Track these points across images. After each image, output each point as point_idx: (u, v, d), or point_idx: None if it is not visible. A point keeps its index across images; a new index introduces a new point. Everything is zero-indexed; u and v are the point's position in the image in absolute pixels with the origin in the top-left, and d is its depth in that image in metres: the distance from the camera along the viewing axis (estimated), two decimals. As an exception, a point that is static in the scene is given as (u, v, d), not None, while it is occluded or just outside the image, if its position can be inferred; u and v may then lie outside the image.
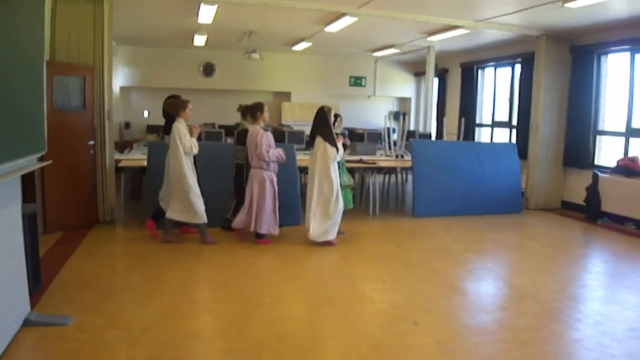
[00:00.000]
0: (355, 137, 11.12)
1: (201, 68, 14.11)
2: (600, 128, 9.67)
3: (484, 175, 9.27)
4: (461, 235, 7.70)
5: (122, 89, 13.38)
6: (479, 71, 13.09)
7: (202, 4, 7.96)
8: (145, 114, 13.75)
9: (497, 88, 12.62)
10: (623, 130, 9.17)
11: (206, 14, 8.63)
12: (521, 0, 7.72)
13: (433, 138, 12.66)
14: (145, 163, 7.60)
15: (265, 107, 6.93)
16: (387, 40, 12.04)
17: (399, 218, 8.71)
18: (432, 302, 4.99)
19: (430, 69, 12.39)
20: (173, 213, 6.51)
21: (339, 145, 6.77)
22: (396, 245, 7.07)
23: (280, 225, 6.94)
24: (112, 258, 6.32)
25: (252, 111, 6.95)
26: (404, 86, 16.30)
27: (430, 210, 8.59)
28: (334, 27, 9.62)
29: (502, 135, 12.23)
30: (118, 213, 7.92)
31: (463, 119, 11.52)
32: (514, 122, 11.62)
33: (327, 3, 8.18)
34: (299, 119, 14.11)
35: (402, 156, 9.67)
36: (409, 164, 9.04)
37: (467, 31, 9.53)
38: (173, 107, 6.62)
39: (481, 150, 9.81)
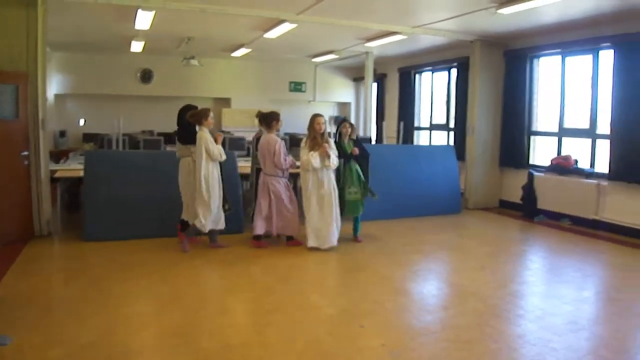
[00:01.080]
0: (295, 142, 11.11)
1: (139, 74, 13.84)
2: (534, 129, 10.02)
3: (423, 178, 9.44)
4: (403, 238, 7.82)
5: (57, 96, 12.96)
6: (417, 76, 13.33)
7: (139, 10, 7.83)
8: (81, 122, 13.36)
9: (434, 92, 12.90)
10: (556, 130, 9.52)
11: (143, 20, 8.49)
12: (456, 7, 7.94)
13: (373, 142, 12.81)
14: (82, 173, 7.39)
15: (279, 116, 7.15)
16: (326, 46, 12.14)
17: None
18: (377, 304, 5.04)
19: (369, 74, 12.55)
20: (198, 222, 6.62)
21: (311, 154, 6.65)
22: (344, 247, 7.05)
23: (221, 233, 6.89)
24: (50, 273, 6.08)
25: (267, 120, 7.04)
26: (344, 91, 16.47)
27: (371, 214, 8.63)
28: (273, 34, 9.63)
29: (440, 138, 12.50)
30: (55, 226, 7.61)
31: (402, 123, 11.72)
32: (452, 124, 11.90)
33: (265, 10, 8.19)
34: (239, 125, 14.00)
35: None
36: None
37: (405, 37, 9.71)
38: (196, 117, 6.63)
39: (420, 153, 10.02)
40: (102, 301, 4.97)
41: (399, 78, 13.72)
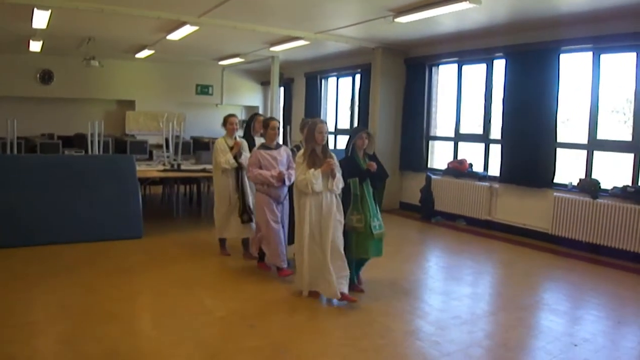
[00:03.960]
0: (201, 146, 11.05)
1: (38, 75, 13.23)
2: (432, 134, 10.41)
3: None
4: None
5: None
6: (323, 81, 13.53)
7: (35, 9, 7.54)
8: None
9: (339, 97, 13.14)
10: (452, 135, 9.94)
11: (40, 19, 8.15)
12: (356, 14, 8.13)
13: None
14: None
15: (260, 118, 6.79)
16: (231, 50, 12.11)
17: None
18: (268, 305, 5.10)
19: (275, 78, 12.60)
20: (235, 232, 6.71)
21: (310, 173, 5.04)
22: (239, 253, 6.96)
23: (119, 239, 6.70)
24: None
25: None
26: (252, 95, 16.47)
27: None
28: (175, 35, 9.51)
29: (344, 142, 12.61)
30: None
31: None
32: (355, 129, 12.10)
33: (166, 11, 8.07)
34: (144, 129, 13.71)
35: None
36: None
37: (308, 42, 9.85)
38: (223, 122, 6.77)
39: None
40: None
41: (306, 83, 13.88)
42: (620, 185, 7.33)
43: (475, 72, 9.71)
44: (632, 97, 7.32)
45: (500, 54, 8.81)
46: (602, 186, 7.55)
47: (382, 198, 5.68)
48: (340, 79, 13.04)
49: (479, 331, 4.61)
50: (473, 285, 6.13)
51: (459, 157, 9.76)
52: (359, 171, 5.36)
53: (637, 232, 6.97)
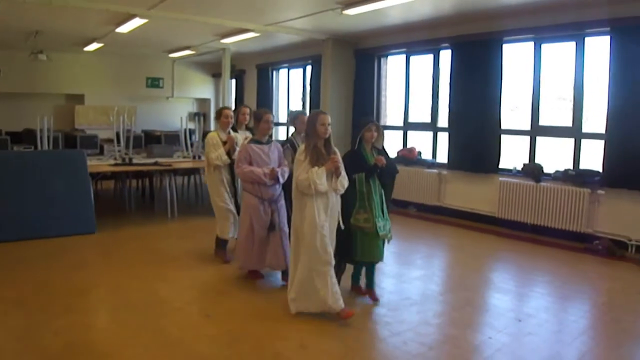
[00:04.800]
0: (153, 139, 11.00)
1: (-17, 70, 12.88)
2: (382, 123, 10.60)
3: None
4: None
5: None
6: (274, 72, 13.60)
7: (-24, 2, 7.42)
8: None
9: (290, 88, 13.24)
10: (401, 124, 10.17)
11: (-16, 13, 8.03)
12: (305, 6, 8.24)
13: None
14: None
15: (246, 110, 6.62)
16: (182, 42, 12.06)
17: (198, 218, 8.73)
18: (225, 294, 5.19)
19: (227, 70, 12.62)
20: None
21: (313, 171, 4.44)
22: (194, 243, 7.10)
23: (72, 234, 6.61)
24: None
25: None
26: (203, 87, 16.38)
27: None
28: (124, 28, 9.45)
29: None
30: None
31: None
32: (307, 119, 12.23)
33: (115, 4, 7.99)
34: (94, 123, 13.52)
35: (200, 157, 9.59)
36: (207, 164, 9.03)
37: (258, 34, 9.91)
38: (216, 114, 6.47)
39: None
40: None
41: (257, 74, 13.91)
42: (562, 169, 7.69)
43: (422, 63, 9.94)
44: (572, 85, 7.65)
45: (446, 44, 9.07)
46: (545, 170, 7.90)
47: (390, 196, 5.21)
48: (292, 70, 13.13)
49: (428, 311, 4.84)
50: (423, 269, 6.35)
51: (408, 145, 9.99)
52: (366, 166, 4.88)
53: (576, 213, 7.34)
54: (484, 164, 8.49)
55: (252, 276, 5.64)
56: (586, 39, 7.46)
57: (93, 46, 12.00)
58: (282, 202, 5.52)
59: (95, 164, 8.34)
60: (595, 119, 7.57)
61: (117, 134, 9.16)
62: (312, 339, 4.18)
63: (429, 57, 9.65)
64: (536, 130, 8.08)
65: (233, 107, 14.25)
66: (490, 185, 8.45)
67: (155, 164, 8.76)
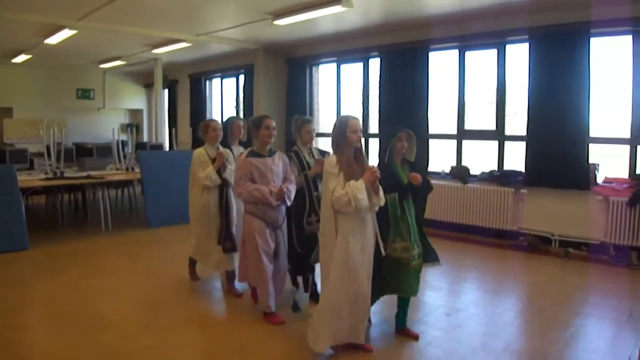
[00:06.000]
0: (84, 152, 10.84)
1: None
2: (317, 131, 10.77)
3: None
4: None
5: None
6: (207, 82, 13.63)
7: None
8: None
9: (224, 97, 13.31)
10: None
11: None
12: (237, 17, 8.37)
13: (166, 148, 12.85)
14: None
15: (240, 123, 5.91)
16: (113, 52, 11.95)
17: (133, 230, 8.67)
18: (163, 305, 5.21)
19: (159, 80, 12.58)
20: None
21: (351, 185, 3.79)
22: (130, 257, 7.07)
23: (3, 252, 6.43)
24: None
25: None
26: (135, 98, 16.22)
27: (163, 220, 8.69)
28: (54, 39, 9.33)
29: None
30: None
31: (191, 129, 11.95)
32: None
33: (43, 15, 7.91)
34: (23, 136, 13.13)
35: (133, 168, 9.60)
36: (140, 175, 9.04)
37: (190, 44, 9.95)
38: (201, 129, 5.60)
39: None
40: None
41: (190, 84, 13.90)
42: (487, 170, 8.08)
43: (353, 71, 10.21)
44: (494, 90, 8.05)
45: (375, 53, 9.34)
46: (472, 172, 8.27)
47: (423, 217, 4.54)
48: (225, 80, 13.20)
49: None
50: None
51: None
52: (399, 185, 4.20)
53: (502, 211, 7.74)
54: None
55: (255, 298, 5.09)
56: (507, 46, 7.88)
57: (21, 58, 11.75)
58: (285, 228, 4.85)
59: (25, 178, 8.18)
60: (517, 121, 8.00)
61: (48, 148, 8.98)
62: (253, 343, 4.31)
63: (359, 65, 9.90)
64: (462, 134, 8.44)
65: (167, 122, 14.27)
66: (421, 188, 8.71)
67: (88, 177, 8.65)
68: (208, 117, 13.41)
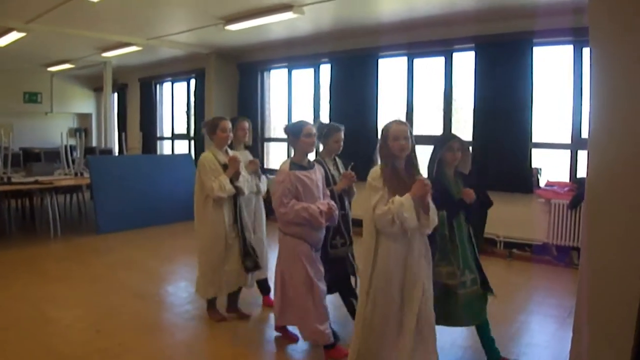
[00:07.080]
0: (32, 157, 10.64)
1: None
2: (267, 135, 10.92)
3: (163, 187, 9.58)
4: (143, 246, 7.99)
5: None
6: (158, 86, 13.55)
7: None
8: None
9: (175, 102, 13.25)
10: (285, 136, 10.42)
11: None
12: (188, 21, 8.40)
13: (115, 153, 12.71)
14: None
15: (245, 124, 5.15)
16: (61, 55, 11.76)
17: (83, 236, 8.53)
18: (114, 309, 5.20)
19: (108, 84, 12.42)
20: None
21: (396, 202, 3.17)
22: (79, 263, 6.97)
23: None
24: None
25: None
26: (84, 102, 15.98)
27: (113, 226, 8.63)
28: (1, 42, 9.13)
29: (183, 147, 12.87)
30: None
31: (142, 133, 11.87)
32: (192, 133, 12.37)
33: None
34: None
35: (82, 174, 9.45)
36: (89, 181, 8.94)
37: (140, 48, 9.91)
38: (207, 127, 4.76)
39: (160, 162, 10.34)
40: None
41: (140, 88, 13.79)
42: (434, 174, 8.26)
43: (304, 76, 10.36)
44: (442, 96, 8.27)
45: (326, 59, 9.50)
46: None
47: (481, 238, 4.05)
48: (176, 84, 13.15)
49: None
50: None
51: (293, 157, 10.27)
52: (449, 202, 3.68)
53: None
54: (363, 172, 8.82)
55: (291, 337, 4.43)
56: (454, 54, 8.13)
57: (-36, 60, 11.45)
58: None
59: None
60: (463, 127, 8.22)
61: (-6, 153, 8.81)
62: (201, 344, 4.40)
63: (310, 71, 10.05)
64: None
65: (116, 126, 14.09)
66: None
67: (36, 182, 8.50)
68: (159, 122, 13.35)
